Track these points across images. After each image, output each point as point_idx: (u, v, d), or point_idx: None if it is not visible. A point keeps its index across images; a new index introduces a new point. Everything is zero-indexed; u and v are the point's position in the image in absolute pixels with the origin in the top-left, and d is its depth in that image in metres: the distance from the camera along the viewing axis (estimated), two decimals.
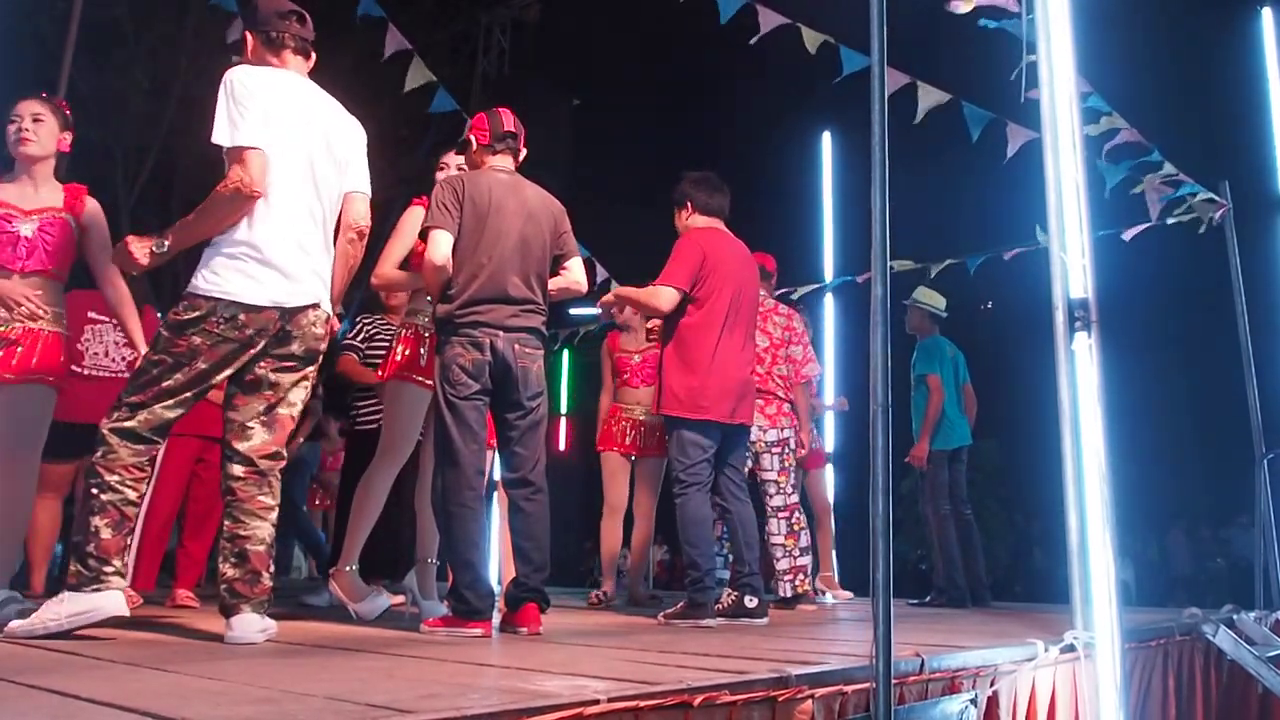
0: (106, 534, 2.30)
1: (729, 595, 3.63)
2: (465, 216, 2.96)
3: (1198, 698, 3.56)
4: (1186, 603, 5.21)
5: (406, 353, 3.42)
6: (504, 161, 3.16)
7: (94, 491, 2.32)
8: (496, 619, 2.91)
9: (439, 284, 2.95)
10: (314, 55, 2.74)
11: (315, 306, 2.56)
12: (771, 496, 4.75)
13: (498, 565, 5.55)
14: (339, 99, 2.74)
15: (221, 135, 2.44)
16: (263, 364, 2.51)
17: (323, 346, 2.61)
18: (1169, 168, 5.16)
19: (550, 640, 2.68)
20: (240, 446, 2.50)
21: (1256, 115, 5.28)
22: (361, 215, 2.72)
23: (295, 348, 2.53)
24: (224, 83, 2.48)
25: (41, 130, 2.98)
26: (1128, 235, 5.68)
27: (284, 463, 2.57)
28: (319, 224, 2.59)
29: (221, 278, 2.43)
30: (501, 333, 2.93)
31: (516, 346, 2.94)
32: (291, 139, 2.53)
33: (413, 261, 3.38)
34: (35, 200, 2.98)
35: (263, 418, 2.52)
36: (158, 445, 2.44)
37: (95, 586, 2.27)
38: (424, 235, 2.97)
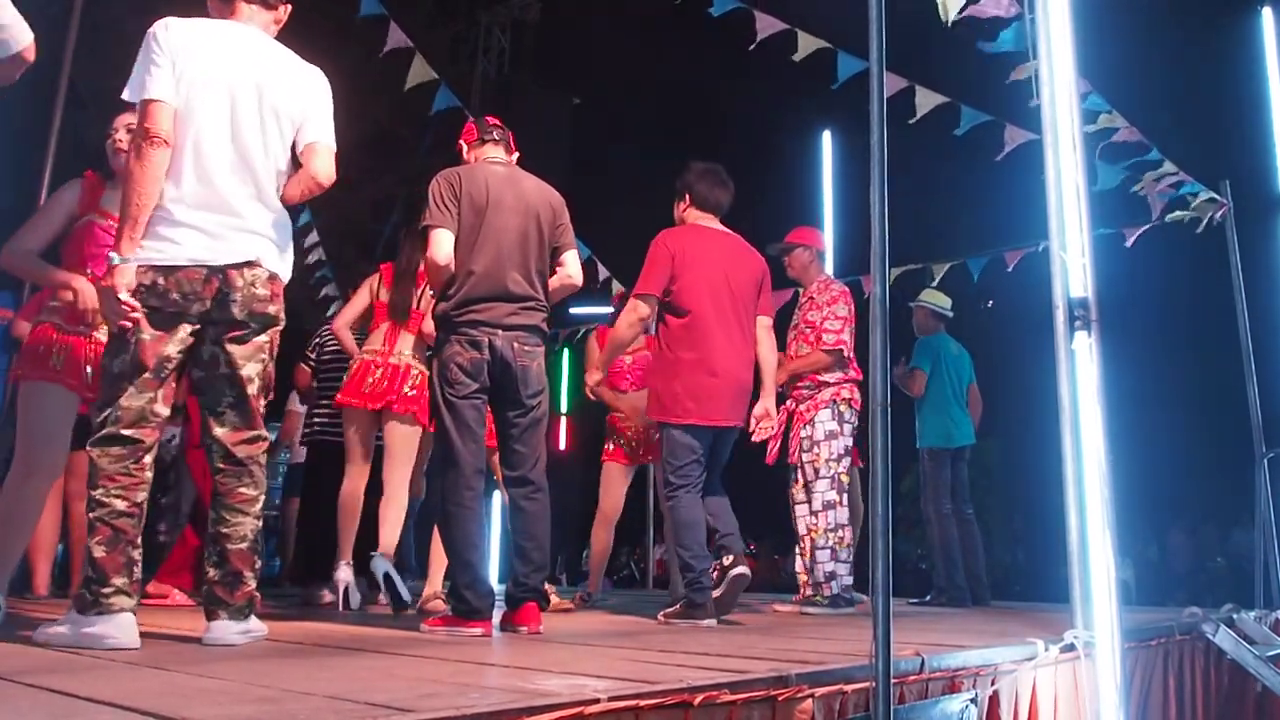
0: (100, 552, 2.22)
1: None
2: (463, 213, 2.94)
3: (1198, 697, 3.56)
4: (1186, 602, 5.20)
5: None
6: (496, 152, 3.15)
7: (87, 514, 2.27)
8: (497, 618, 2.92)
9: (442, 283, 2.94)
10: (282, 8, 2.60)
11: (252, 265, 2.40)
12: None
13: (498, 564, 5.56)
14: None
15: (129, 91, 2.35)
16: (213, 336, 2.40)
17: (272, 309, 2.44)
18: (1169, 167, 5.16)
19: (550, 640, 2.69)
20: (216, 433, 2.42)
21: (1257, 115, 5.27)
22: (321, 170, 2.52)
23: (237, 311, 2.37)
24: (145, 37, 2.38)
25: None
26: (1128, 236, 5.68)
27: (264, 445, 2.47)
28: (249, 181, 2.42)
29: (142, 247, 2.33)
30: (500, 331, 2.91)
31: (515, 345, 2.93)
32: (210, 92, 2.36)
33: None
34: None
35: (229, 398, 2.42)
36: (142, 444, 2.29)
37: (97, 610, 2.20)
38: (425, 234, 2.96)
